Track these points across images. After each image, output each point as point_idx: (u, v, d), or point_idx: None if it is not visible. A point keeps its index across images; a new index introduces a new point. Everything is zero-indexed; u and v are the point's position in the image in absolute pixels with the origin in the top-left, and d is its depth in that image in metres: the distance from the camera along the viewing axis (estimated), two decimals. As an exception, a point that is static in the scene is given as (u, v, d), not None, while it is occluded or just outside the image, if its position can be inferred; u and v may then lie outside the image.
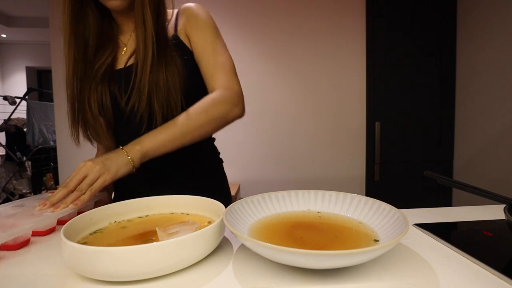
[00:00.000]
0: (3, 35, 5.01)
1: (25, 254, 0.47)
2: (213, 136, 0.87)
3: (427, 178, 0.55)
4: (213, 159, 0.85)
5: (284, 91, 2.44)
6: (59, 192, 0.57)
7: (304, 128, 2.46)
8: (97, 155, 0.83)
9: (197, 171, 0.80)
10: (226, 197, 0.85)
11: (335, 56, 2.41)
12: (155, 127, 0.67)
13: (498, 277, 0.37)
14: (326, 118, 2.44)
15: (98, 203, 0.69)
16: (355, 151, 2.46)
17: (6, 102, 3.60)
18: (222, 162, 0.88)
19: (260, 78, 2.42)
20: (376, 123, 2.38)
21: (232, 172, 2.45)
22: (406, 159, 2.40)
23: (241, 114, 0.72)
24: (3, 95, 3.70)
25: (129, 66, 0.70)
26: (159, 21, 0.68)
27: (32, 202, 0.63)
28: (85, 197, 0.57)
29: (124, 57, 0.73)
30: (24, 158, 3.96)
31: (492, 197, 0.47)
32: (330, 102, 2.44)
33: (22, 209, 0.58)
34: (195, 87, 0.73)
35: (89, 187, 0.57)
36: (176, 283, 0.38)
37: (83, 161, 0.59)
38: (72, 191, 0.57)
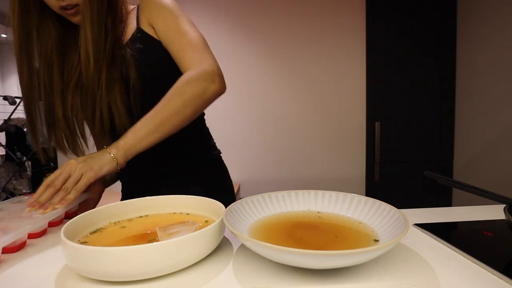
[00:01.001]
0: (3, 35, 5.00)
1: (23, 256, 0.47)
2: (211, 133, 0.87)
3: (427, 178, 0.55)
4: (209, 156, 0.84)
5: (284, 91, 2.44)
6: (46, 192, 0.56)
7: (304, 128, 2.46)
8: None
9: (194, 169, 0.80)
10: (226, 197, 0.84)
11: (335, 56, 2.41)
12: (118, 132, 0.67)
13: (498, 277, 0.37)
14: (326, 118, 2.44)
15: (83, 204, 0.68)
16: (355, 151, 2.46)
17: (6, 102, 3.60)
18: (221, 157, 0.87)
19: (260, 78, 2.42)
20: (376, 123, 2.38)
21: (232, 172, 2.45)
22: (406, 159, 2.40)
23: (219, 89, 0.67)
24: (3, 95, 3.70)
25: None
26: (107, 34, 0.65)
27: (10, 206, 0.62)
28: (71, 196, 0.56)
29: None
30: (24, 158, 3.96)
31: (492, 197, 0.47)
32: (330, 102, 2.44)
33: (4, 212, 0.57)
34: (168, 74, 0.70)
35: (74, 186, 0.57)
36: (176, 283, 0.38)
37: (67, 160, 0.59)
38: (58, 190, 0.57)
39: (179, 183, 0.78)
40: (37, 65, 0.68)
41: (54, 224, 0.60)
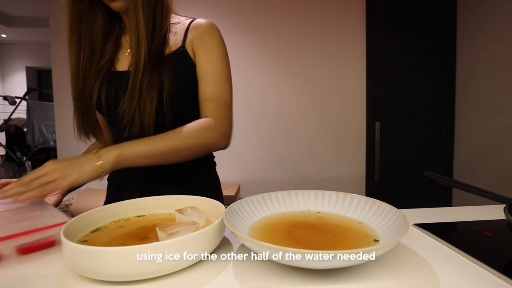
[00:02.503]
0: (3, 35, 5.00)
1: (23, 255, 0.47)
2: None
3: (427, 178, 0.55)
4: (206, 163, 0.84)
5: (284, 91, 2.44)
6: (16, 189, 0.53)
7: (304, 128, 2.46)
8: (88, 149, 0.83)
9: (187, 175, 0.79)
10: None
11: (335, 56, 2.41)
12: (137, 133, 0.66)
13: (498, 277, 0.37)
14: (326, 118, 2.45)
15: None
16: (355, 151, 2.46)
17: (6, 102, 3.60)
18: (215, 165, 0.87)
19: (260, 78, 2.42)
20: (376, 123, 2.38)
21: (232, 172, 2.45)
22: (406, 159, 2.40)
23: (225, 146, 0.71)
24: (3, 95, 3.70)
25: (130, 70, 0.69)
26: (155, 26, 0.66)
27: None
28: (31, 194, 0.52)
29: (128, 58, 0.72)
30: (24, 158, 3.96)
31: (492, 197, 0.47)
32: (330, 102, 2.44)
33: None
34: (189, 95, 0.72)
35: (41, 186, 0.53)
36: (176, 283, 0.38)
37: (52, 160, 0.56)
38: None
39: (172, 188, 0.77)
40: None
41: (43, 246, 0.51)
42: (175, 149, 0.63)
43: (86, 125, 0.73)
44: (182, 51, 0.71)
